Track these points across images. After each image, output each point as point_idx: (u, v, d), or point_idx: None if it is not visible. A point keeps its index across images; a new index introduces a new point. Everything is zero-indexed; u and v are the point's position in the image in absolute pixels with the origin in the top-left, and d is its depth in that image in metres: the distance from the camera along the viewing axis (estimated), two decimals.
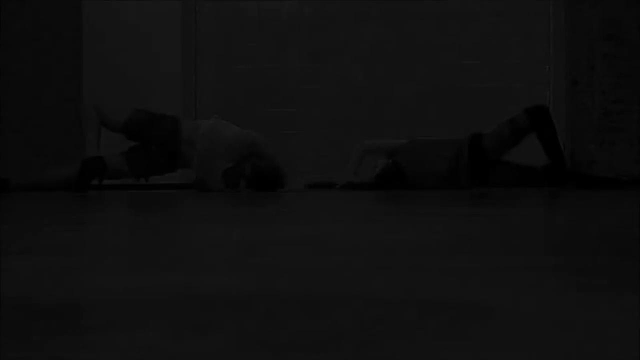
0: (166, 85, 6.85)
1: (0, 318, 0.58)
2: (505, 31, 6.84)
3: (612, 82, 6.60)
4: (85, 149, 5.04)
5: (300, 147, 6.81)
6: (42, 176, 5.11)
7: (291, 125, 6.97)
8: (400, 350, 0.46)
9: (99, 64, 6.87)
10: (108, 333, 0.52)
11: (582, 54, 6.61)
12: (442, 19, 6.88)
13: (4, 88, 6.93)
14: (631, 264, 0.90)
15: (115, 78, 6.84)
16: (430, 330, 0.52)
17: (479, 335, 0.50)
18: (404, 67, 6.89)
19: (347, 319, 0.57)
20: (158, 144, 5.05)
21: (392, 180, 5.46)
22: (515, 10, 6.84)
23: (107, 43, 6.86)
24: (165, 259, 0.98)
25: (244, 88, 7.01)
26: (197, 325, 0.55)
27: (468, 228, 1.52)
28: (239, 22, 7.03)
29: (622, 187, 5.59)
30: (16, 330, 0.53)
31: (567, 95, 6.64)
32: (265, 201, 3.23)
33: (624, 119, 6.60)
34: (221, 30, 7.04)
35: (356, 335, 0.51)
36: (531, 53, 6.83)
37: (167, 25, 6.85)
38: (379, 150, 5.66)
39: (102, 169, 4.91)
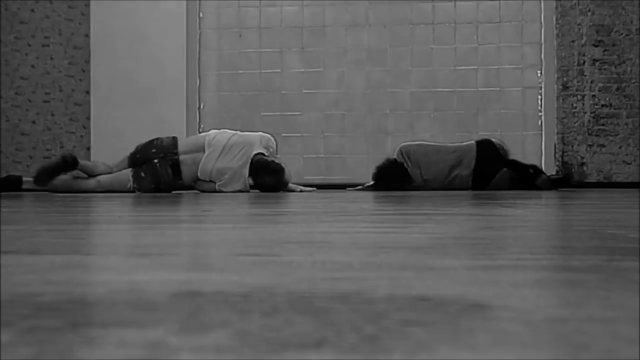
0: (171, 88, 6.85)
1: (11, 315, 0.58)
2: (499, 38, 6.84)
3: (601, 87, 6.61)
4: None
5: (300, 150, 6.81)
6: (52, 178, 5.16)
7: (291, 129, 6.97)
8: (397, 346, 0.46)
9: (106, 68, 6.87)
10: (115, 329, 0.52)
11: (572, 60, 6.62)
12: (438, 25, 6.88)
13: (16, 92, 6.94)
14: (620, 263, 0.90)
15: (123, 81, 6.84)
16: (427, 326, 0.52)
17: (475, 331, 0.50)
18: (401, 72, 6.89)
19: (346, 316, 0.57)
20: (159, 157, 5.14)
21: (390, 176, 5.52)
22: (508, 17, 6.84)
23: (115, 48, 6.86)
24: (170, 258, 0.98)
25: (245, 92, 7.02)
26: (201, 321, 0.55)
27: (464, 227, 1.52)
28: (241, 28, 7.03)
29: (610, 187, 5.59)
30: (26, 327, 0.53)
31: (558, 99, 6.64)
32: (267, 202, 3.24)
33: (613, 122, 6.60)
34: (224, 36, 7.04)
35: (355, 331, 0.51)
36: (523, 59, 6.83)
37: (173, 31, 6.86)
38: None
39: (74, 164, 5.04)
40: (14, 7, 6.99)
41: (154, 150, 5.13)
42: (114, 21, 6.84)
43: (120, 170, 5.19)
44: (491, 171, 5.51)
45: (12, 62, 7.00)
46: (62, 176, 5.09)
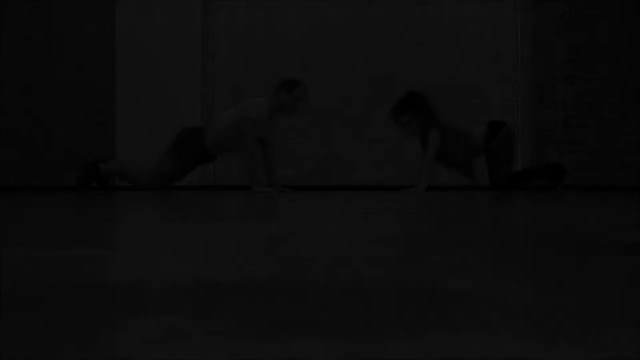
0: (188, 100, 6.86)
1: (46, 300, 0.58)
2: (480, 55, 6.85)
3: (572, 100, 6.61)
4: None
5: (307, 153, 6.81)
6: (125, 168, 5.27)
7: (299, 134, 6.99)
8: (388, 328, 0.47)
9: (129, 83, 6.88)
10: (138, 314, 0.52)
11: (546, 75, 6.62)
12: (424, 45, 6.89)
13: (45, 103, 6.95)
14: (574, 258, 0.91)
15: (144, 96, 6.85)
16: (414, 311, 0.53)
17: (457, 316, 0.51)
18: (392, 89, 6.89)
19: (344, 302, 0.57)
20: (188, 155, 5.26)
21: None
22: (488, 36, 6.85)
23: (138, 65, 6.87)
24: (186, 252, 0.99)
25: None
26: (212, 308, 0.55)
27: (445, 224, 1.52)
28: (251, 46, 7.05)
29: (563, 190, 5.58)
30: (61, 311, 0.53)
31: (533, 111, 6.65)
32: (272, 202, 3.24)
33: (582, 131, 6.60)
34: (235, 53, 7.06)
35: (349, 317, 0.51)
36: (503, 74, 6.84)
37: (189, 49, 6.87)
38: None
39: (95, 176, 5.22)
40: (50, 30, 7.01)
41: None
42: (137, 40, 6.85)
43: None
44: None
45: (46, 75, 7.02)
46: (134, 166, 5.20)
